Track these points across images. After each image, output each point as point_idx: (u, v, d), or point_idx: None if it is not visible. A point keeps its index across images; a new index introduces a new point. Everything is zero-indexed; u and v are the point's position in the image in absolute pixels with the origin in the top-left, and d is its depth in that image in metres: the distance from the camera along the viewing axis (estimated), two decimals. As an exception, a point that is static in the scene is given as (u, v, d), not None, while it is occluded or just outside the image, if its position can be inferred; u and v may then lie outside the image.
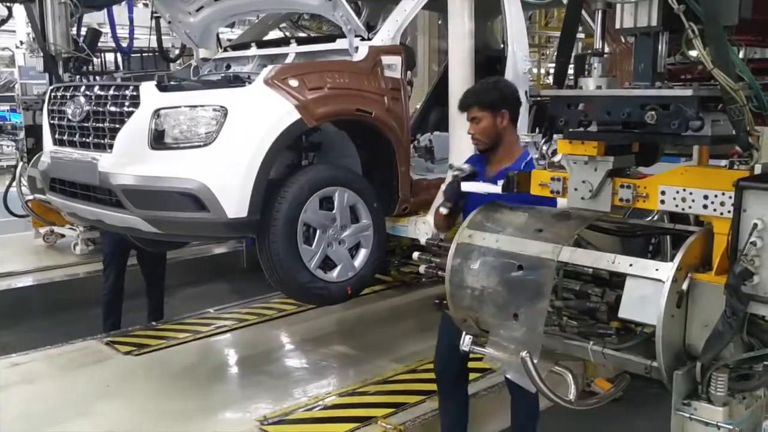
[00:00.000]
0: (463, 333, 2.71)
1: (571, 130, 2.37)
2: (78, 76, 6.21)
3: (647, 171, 2.51)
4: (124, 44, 8.15)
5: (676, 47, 2.22)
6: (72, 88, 4.20)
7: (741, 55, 2.35)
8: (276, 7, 5.34)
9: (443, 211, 3.13)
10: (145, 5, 10.26)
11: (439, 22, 7.13)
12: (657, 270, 2.17)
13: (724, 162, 2.23)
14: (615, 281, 2.38)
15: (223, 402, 4.22)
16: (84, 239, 7.40)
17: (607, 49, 2.48)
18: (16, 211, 7.72)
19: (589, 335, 2.45)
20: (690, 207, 2.19)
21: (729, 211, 2.07)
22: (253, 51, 4.78)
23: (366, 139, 4.17)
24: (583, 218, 2.50)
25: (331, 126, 4.03)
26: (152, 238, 4.11)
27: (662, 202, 2.26)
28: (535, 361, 2.34)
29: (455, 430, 3.61)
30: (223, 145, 3.51)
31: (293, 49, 4.51)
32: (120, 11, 8.33)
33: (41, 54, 6.31)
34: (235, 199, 3.49)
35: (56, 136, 4.25)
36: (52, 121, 4.30)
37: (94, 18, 8.63)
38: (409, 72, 4.26)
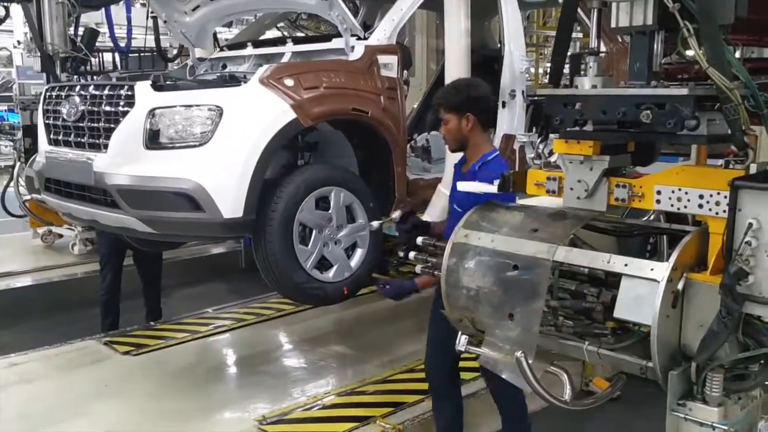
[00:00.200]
0: (459, 333, 2.70)
1: (566, 129, 2.36)
2: (76, 76, 6.19)
3: (645, 171, 2.51)
4: (122, 44, 8.14)
5: (671, 46, 2.21)
6: (67, 87, 4.19)
7: (737, 54, 2.35)
8: (272, 7, 5.33)
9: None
10: (143, 5, 10.24)
11: (437, 22, 7.13)
12: (652, 270, 2.16)
13: (721, 161, 2.22)
14: (611, 281, 2.37)
15: (221, 402, 4.22)
16: (82, 239, 7.40)
17: (603, 49, 2.48)
18: (14, 212, 7.70)
19: (585, 335, 2.44)
20: (685, 207, 2.19)
21: (724, 211, 2.07)
22: (249, 50, 4.78)
23: (362, 139, 4.16)
24: (578, 218, 2.50)
25: (328, 126, 4.02)
26: (148, 238, 4.10)
27: (658, 201, 2.26)
28: (530, 362, 2.33)
29: (451, 431, 3.60)
30: (219, 144, 3.50)
31: (289, 48, 4.50)
32: (118, 11, 8.32)
33: (39, 54, 6.30)
34: (230, 199, 3.48)
35: (51, 136, 4.24)
36: (47, 121, 4.29)
37: (92, 18, 8.63)
38: (405, 71, 4.25)
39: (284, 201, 3.62)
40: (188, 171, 3.49)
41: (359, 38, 4.14)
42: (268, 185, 3.63)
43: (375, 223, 3.67)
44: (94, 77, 6.81)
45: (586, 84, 2.33)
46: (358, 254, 3.98)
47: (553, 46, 2.58)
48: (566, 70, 2.61)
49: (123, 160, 3.66)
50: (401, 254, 3.38)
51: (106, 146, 3.74)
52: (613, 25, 2.23)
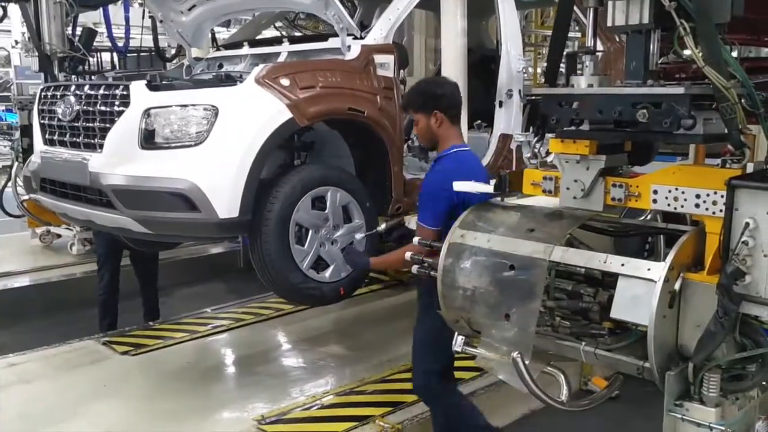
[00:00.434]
0: (455, 333, 2.70)
1: (563, 128, 2.35)
2: (74, 76, 6.18)
3: (642, 170, 2.50)
4: (120, 44, 8.13)
5: (668, 45, 2.20)
6: (62, 87, 4.17)
7: (735, 54, 2.34)
8: (268, 6, 5.31)
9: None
10: (141, 5, 10.23)
11: (436, 22, 7.11)
12: (649, 270, 2.15)
13: (718, 161, 2.22)
14: (607, 281, 2.36)
15: (220, 402, 4.22)
16: (80, 239, 7.40)
17: (600, 48, 2.47)
18: (12, 212, 7.70)
19: (582, 336, 2.44)
20: (682, 206, 2.19)
21: (721, 210, 2.06)
22: (246, 50, 4.75)
23: (359, 139, 4.14)
24: (575, 218, 2.49)
25: (324, 125, 4.00)
26: (143, 238, 4.09)
27: (654, 201, 2.25)
28: (527, 362, 2.33)
29: None
30: (214, 144, 3.48)
31: (285, 48, 4.48)
32: (116, 11, 8.31)
33: (36, 53, 6.28)
34: (226, 199, 3.46)
35: (47, 136, 4.22)
36: (42, 121, 4.27)
37: (90, 17, 8.61)
38: (402, 71, 4.24)
39: (280, 201, 3.60)
40: (184, 171, 3.47)
41: (355, 38, 4.12)
42: (264, 185, 3.61)
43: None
44: (92, 77, 6.80)
45: (582, 83, 2.32)
46: (355, 254, 3.95)
47: (549, 45, 2.57)
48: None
49: (118, 160, 3.64)
50: None
51: (101, 146, 3.72)
52: (609, 23, 2.22)
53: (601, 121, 2.24)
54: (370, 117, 3.92)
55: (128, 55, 8.45)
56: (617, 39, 4.89)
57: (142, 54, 8.40)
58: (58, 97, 4.10)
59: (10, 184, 7.57)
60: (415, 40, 6.86)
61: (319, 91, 3.74)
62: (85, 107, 3.86)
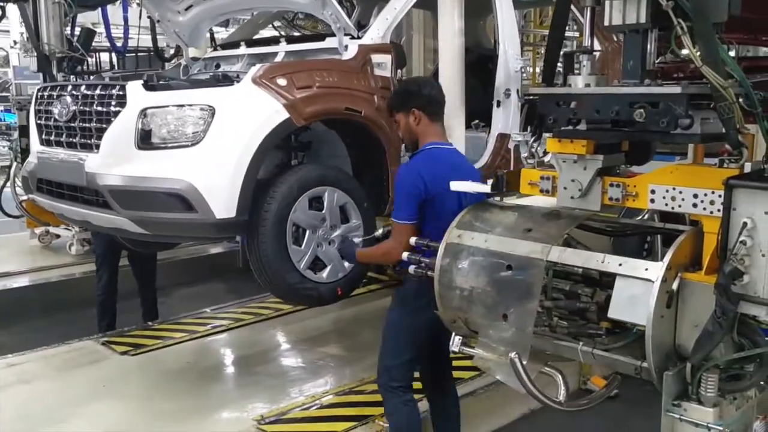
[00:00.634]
0: (453, 333, 2.69)
1: (560, 128, 2.35)
2: (72, 76, 6.16)
3: (641, 170, 2.50)
4: (119, 44, 8.11)
5: (666, 45, 2.20)
6: (58, 87, 4.16)
7: (732, 53, 2.34)
8: (265, 6, 5.30)
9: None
10: (139, 5, 10.21)
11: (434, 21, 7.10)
12: (647, 270, 2.15)
13: (716, 160, 2.21)
14: (605, 281, 2.36)
15: (220, 402, 4.21)
16: (79, 239, 7.39)
17: (598, 47, 2.47)
18: (11, 212, 7.69)
19: (579, 336, 2.43)
20: (680, 206, 2.18)
21: (719, 210, 2.06)
22: (243, 50, 4.74)
23: (356, 139, 4.13)
24: (572, 217, 2.49)
25: (321, 125, 4.00)
26: (140, 239, 4.07)
27: (652, 201, 2.25)
28: (525, 362, 2.32)
29: None
30: (211, 144, 3.47)
31: (283, 47, 4.47)
32: (114, 11, 8.29)
33: (35, 54, 6.27)
34: (222, 199, 3.45)
35: (43, 136, 4.20)
36: (39, 122, 4.26)
37: (89, 17, 8.60)
38: (399, 70, 4.23)
39: (277, 201, 3.59)
40: (180, 171, 3.45)
41: (353, 37, 4.11)
42: (261, 185, 3.60)
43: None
44: (90, 77, 6.79)
45: (579, 83, 2.32)
46: (353, 254, 3.94)
47: (546, 44, 2.57)
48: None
49: (115, 160, 3.62)
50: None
51: (97, 146, 3.70)
52: (606, 23, 2.22)
53: (599, 120, 2.24)
54: (367, 117, 3.91)
55: (127, 55, 8.43)
56: (615, 38, 4.89)
57: (140, 54, 8.38)
58: (55, 97, 4.08)
59: (9, 184, 7.57)
60: (414, 39, 6.85)
61: (316, 91, 3.73)
62: (81, 107, 3.84)
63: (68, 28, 6.54)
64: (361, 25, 4.71)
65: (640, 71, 2.18)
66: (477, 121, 4.99)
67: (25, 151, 6.95)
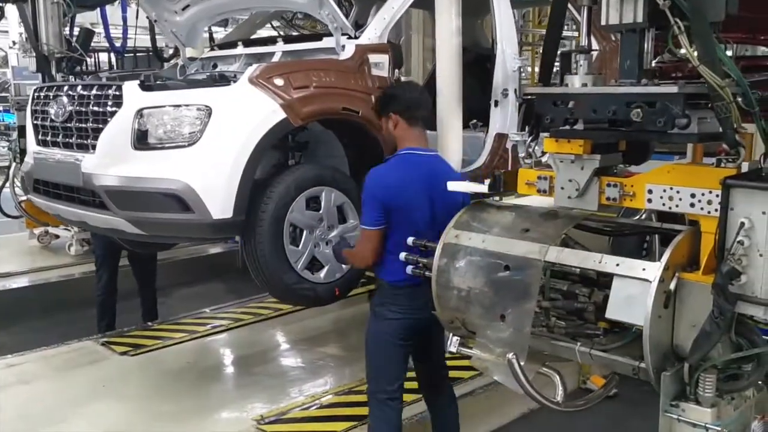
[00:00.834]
0: (450, 334, 2.69)
1: (557, 128, 2.34)
2: (71, 76, 6.15)
3: (638, 169, 2.49)
4: (118, 44, 8.10)
5: (663, 44, 2.19)
6: (55, 88, 4.15)
7: (729, 52, 2.33)
8: (263, 5, 5.29)
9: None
10: (138, 5, 10.20)
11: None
12: (644, 270, 2.15)
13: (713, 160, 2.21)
14: (602, 281, 2.36)
15: (219, 402, 4.21)
16: (79, 240, 7.39)
17: (595, 47, 2.46)
18: (10, 212, 7.68)
19: (577, 336, 2.43)
20: (677, 206, 2.18)
21: (716, 210, 2.05)
22: (240, 50, 4.73)
23: (353, 139, 4.12)
24: (570, 217, 2.48)
25: (318, 125, 3.99)
26: (137, 239, 4.06)
27: (649, 200, 2.24)
28: (522, 363, 2.32)
29: None
30: (208, 144, 3.46)
31: (280, 47, 4.46)
32: (113, 11, 8.28)
33: (34, 54, 6.26)
34: (219, 199, 3.44)
35: (39, 136, 4.19)
36: (35, 122, 4.25)
37: (87, 18, 8.58)
38: (397, 70, 4.22)
39: (274, 201, 3.58)
40: (177, 171, 3.44)
41: (350, 37, 4.11)
42: (258, 185, 3.59)
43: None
44: (88, 77, 6.77)
45: (576, 82, 2.31)
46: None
47: (543, 43, 2.56)
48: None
49: (111, 160, 3.61)
50: None
51: (94, 147, 3.70)
52: (603, 22, 2.21)
53: (596, 120, 2.23)
54: (364, 117, 3.90)
55: (126, 55, 8.41)
56: (613, 38, 4.89)
57: (139, 54, 8.36)
58: (51, 97, 4.08)
59: (8, 184, 7.56)
60: (412, 39, 6.85)
61: (313, 90, 3.72)
62: (77, 108, 3.83)
63: (67, 29, 6.52)
64: (359, 25, 4.70)
65: (637, 71, 2.17)
66: (475, 120, 4.97)
67: (25, 152, 6.94)
